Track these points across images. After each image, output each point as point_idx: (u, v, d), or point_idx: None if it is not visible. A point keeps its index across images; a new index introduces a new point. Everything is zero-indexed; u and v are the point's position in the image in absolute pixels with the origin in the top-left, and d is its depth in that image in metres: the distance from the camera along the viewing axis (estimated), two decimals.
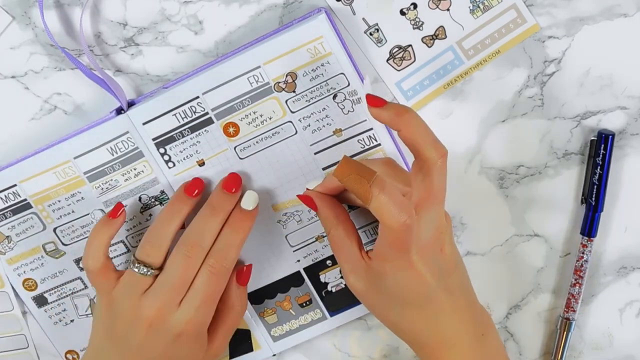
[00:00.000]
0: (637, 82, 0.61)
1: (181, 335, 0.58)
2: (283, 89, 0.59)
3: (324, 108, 0.60)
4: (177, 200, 0.60)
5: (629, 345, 0.66)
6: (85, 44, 0.61)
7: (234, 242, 0.59)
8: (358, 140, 0.60)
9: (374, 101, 0.55)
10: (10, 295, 0.66)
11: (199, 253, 0.58)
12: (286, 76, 0.59)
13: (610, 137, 0.61)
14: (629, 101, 0.62)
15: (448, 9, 0.60)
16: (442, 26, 0.61)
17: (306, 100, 0.59)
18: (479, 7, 0.60)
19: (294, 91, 0.59)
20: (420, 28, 0.61)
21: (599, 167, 0.61)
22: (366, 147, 0.61)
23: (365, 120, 0.60)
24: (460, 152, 0.63)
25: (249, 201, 0.60)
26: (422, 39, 0.61)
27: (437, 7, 0.60)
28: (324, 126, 0.60)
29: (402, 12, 0.60)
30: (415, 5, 0.60)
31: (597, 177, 0.62)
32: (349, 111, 0.60)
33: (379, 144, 0.60)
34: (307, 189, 0.60)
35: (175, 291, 0.58)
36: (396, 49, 0.61)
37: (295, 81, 0.59)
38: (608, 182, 0.62)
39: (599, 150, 0.61)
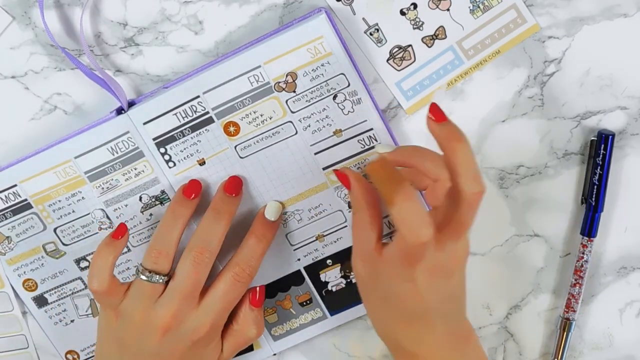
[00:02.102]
0: (637, 82, 0.61)
1: (199, 339, 0.59)
2: (283, 89, 0.59)
3: (324, 108, 0.60)
4: (177, 205, 0.60)
5: (629, 345, 0.66)
6: (86, 44, 0.61)
7: (257, 251, 0.60)
8: (358, 141, 0.60)
9: (436, 114, 0.51)
10: (10, 296, 0.66)
11: (208, 258, 0.58)
12: (286, 76, 0.59)
13: (611, 137, 0.61)
14: (629, 101, 0.62)
15: (448, 9, 0.60)
16: (442, 26, 0.61)
17: (306, 101, 0.59)
18: (479, 7, 0.60)
19: (294, 91, 0.59)
20: (420, 28, 0.61)
21: (599, 167, 0.61)
22: (366, 147, 0.61)
23: (366, 120, 0.60)
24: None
25: (272, 212, 0.61)
26: (422, 39, 0.61)
27: (437, 7, 0.60)
28: (324, 126, 0.60)
29: (402, 12, 0.60)
30: (415, 5, 0.60)
31: (597, 177, 0.62)
32: (349, 111, 0.60)
33: (379, 144, 0.60)
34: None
35: (187, 297, 0.58)
36: (396, 49, 0.61)
37: (296, 81, 0.59)
38: (608, 182, 0.62)
39: (599, 151, 0.61)
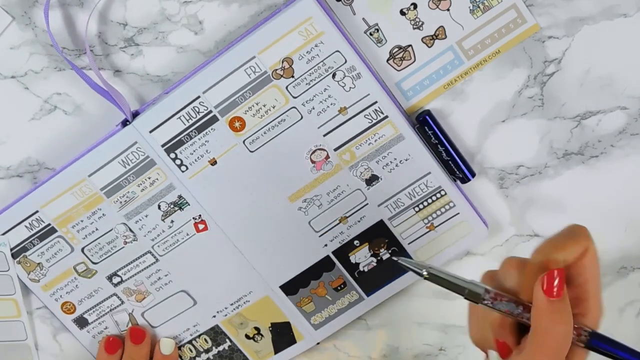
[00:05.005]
0: (637, 82, 0.61)
1: None
2: (281, 76, 0.59)
3: (325, 88, 0.59)
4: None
5: (629, 346, 0.66)
6: (89, 49, 0.61)
7: None
8: (365, 116, 0.60)
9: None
10: (25, 325, 0.67)
11: None
12: (282, 62, 0.59)
13: (425, 115, 0.61)
14: (629, 101, 0.62)
15: (448, 9, 0.60)
16: (442, 26, 0.61)
17: (306, 84, 0.59)
18: (479, 7, 0.60)
19: (292, 76, 0.59)
20: (420, 28, 0.61)
21: (439, 145, 0.61)
22: (374, 121, 0.60)
23: (369, 94, 0.60)
24: (460, 152, 0.63)
25: (166, 347, 0.67)
26: (422, 39, 0.61)
27: (437, 7, 0.60)
28: (328, 107, 0.60)
29: (402, 12, 0.60)
30: (415, 5, 0.60)
31: (444, 153, 0.61)
32: (350, 88, 0.59)
33: (387, 116, 0.60)
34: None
35: None
36: (396, 49, 0.61)
37: (292, 66, 0.59)
38: (607, 183, 0.62)
39: (429, 132, 0.61)
